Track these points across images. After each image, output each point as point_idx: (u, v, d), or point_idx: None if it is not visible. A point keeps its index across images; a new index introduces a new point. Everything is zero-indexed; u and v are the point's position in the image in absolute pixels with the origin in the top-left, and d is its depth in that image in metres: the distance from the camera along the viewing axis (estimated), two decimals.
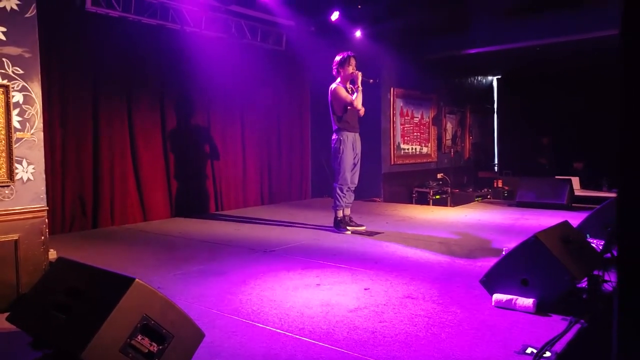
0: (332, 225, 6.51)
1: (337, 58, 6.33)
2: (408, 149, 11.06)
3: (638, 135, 1.15)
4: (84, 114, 6.70)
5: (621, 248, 1.20)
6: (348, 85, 6.32)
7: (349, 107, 6.22)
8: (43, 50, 3.93)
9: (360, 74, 6.19)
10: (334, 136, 6.34)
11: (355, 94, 6.18)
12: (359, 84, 6.17)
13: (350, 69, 6.25)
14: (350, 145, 6.30)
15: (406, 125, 10.97)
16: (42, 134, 3.78)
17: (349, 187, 6.38)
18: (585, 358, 2.87)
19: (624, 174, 1.16)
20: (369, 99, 9.44)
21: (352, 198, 6.50)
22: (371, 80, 6.28)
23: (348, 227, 6.38)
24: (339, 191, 6.33)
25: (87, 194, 6.75)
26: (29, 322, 2.77)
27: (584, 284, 3.57)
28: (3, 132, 3.54)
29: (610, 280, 3.60)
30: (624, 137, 1.17)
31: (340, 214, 6.42)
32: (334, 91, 6.28)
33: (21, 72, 3.63)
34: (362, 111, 6.32)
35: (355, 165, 6.40)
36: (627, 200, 1.17)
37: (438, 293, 3.86)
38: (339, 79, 6.34)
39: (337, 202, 6.37)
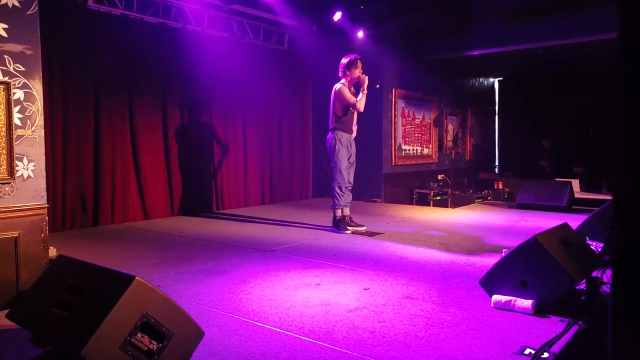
0: (332, 225, 6.53)
1: (344, 60, 6.35)
2: (409, 150, 11.06)
3: (636, 139, 1.15)
4: (86, 111, 6.70)
5: (617, 252, 1.20)
6: (351, 88, 6.36)
7: (351, 109, 6.27)
8: (44, 48, 3.94)
9: (367, 77, 6.26)
10: (329, 135, 6.41)
11: (360, 95, 6.23)
12: (365, 87, 6.23)
13: (357, 72, 6.29)
14: (346, 143, 6.37)
15: (407, 127, 10.96)
16: (43, 131, 3.79)
17: (346, 186, 6.41)
18: (583, 359, 2.87)
19: (621, 180, 1.17)
20: (371, 99, 9.46)
21: (350, 197, 6.51)
22: (377, 85, 6.35)
23: (348, 227, 6.39)
24: (337, 190, 6.35)
25: (87, 191, 6.75)
26: (28, 320, 2.77)
27: (582, 285, 3.58)
28: (4, 129, 3.55)
29: (608, 282, 3.61)
30: (621, 142, 1.17)
31: (339, 213, 6.43)
32: (339, 91, 6.31)
33: (22, 69, 3.64)
34: (355, 124, 6.46)
35: (351, 164, 6.45)
36: (624, 205, 1.17)
37: (437, 293, 3.86)
38: (343, 80, 6.37)
39: (336, 201, 6.39)
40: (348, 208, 6.51)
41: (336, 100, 6.33)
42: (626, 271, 1.18)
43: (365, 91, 6.24)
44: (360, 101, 6.21)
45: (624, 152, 1.17)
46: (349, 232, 6.34)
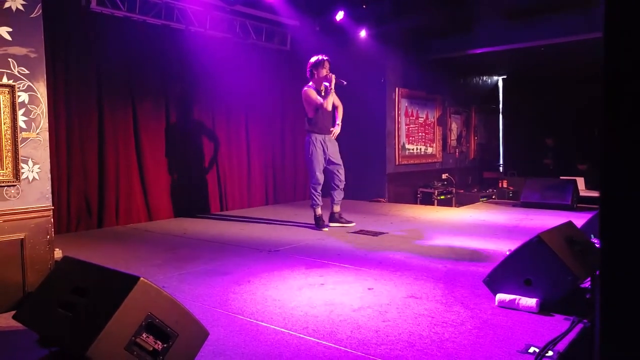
0: (335, 225, 6.66)
1: (312, 60, 6.51)
2: (413, 149, 11.05)
3: (618, 138, 1.15)
4: (89, 113, 6.72)
5: (604, 254, 1.20)
6: (322, 87, 6.46)
7: (319, 108, 6.41)
8: (48, 50, 3.96)
9: (334, 76, 6.38)
10: (306, 138, 6.57)
11: (327, 95, 6.35)
12: (332, 86, 6.35)
13: (324, 71, 6.43)
14: (320, 146, 6.48)
15: (411, 126, 10.96)
16: (47, 133, 3.80)
17: (337, 186, 6.61)
18: (587, 358, 2.87)
19: (605, 179, 1.16)
20: (374, 99, 9.48)
21: (341, 196, 6.70)
22: (345, 83, 6.42)
23: (326, 226, 6.57)
24: (312, 190, 6.60)
25: (92, 193, 6.77)
26: (35, 321, 2.79)
27: (587, 284, 3.57)
28: (9, 131, 3.56)
29: None
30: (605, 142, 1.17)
31: (318, 211, 6.63)
32: (304, 93, 6.50)
33: (27, 72, 3.65)
34: (337, 124, 6.61)
35: (336, 165, 6.57)
36: (609, 203, 1.17)
37: (441, 293, 3.86)
38: (311, 82, 6.52)
39: (312, 201, 6.63)
40: (338, 205, 6.71)
41: (304, 102, 6.50)
42: (615, 274, 1.18)
43: (333, 90, 6.36)
44: (327, 100, 6.35)
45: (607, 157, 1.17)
46: (327, 229, 6.51)
